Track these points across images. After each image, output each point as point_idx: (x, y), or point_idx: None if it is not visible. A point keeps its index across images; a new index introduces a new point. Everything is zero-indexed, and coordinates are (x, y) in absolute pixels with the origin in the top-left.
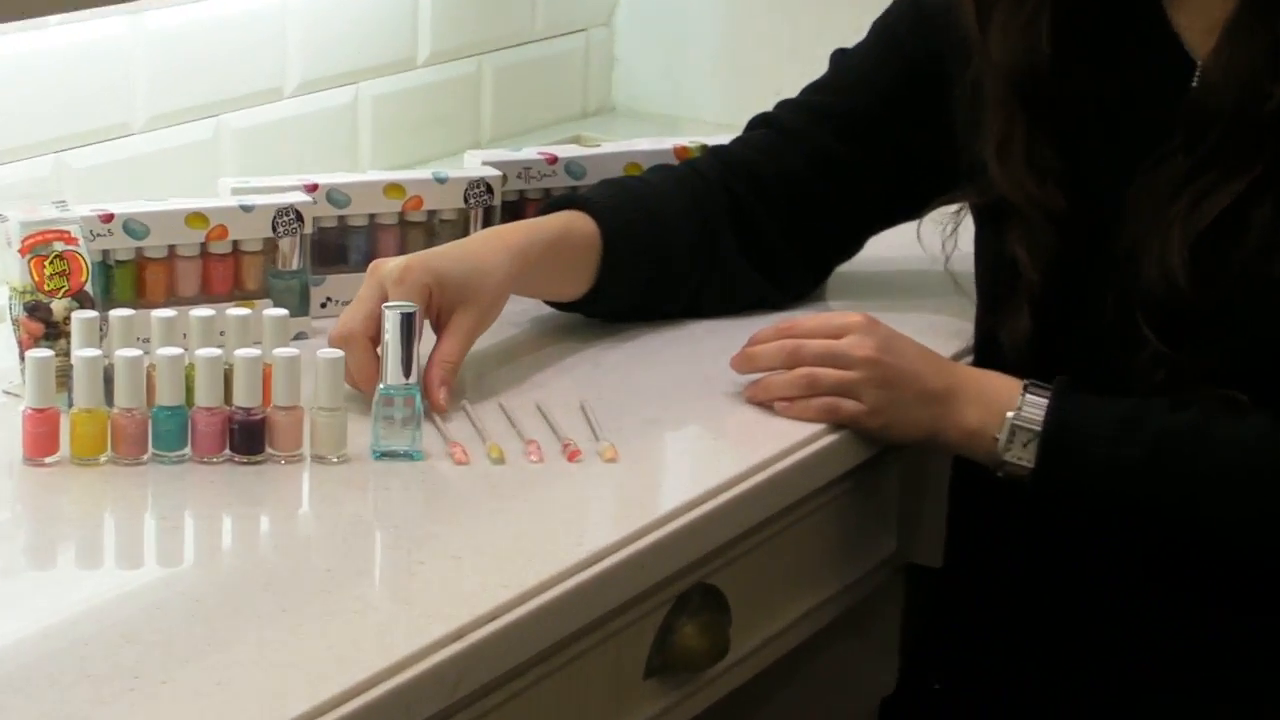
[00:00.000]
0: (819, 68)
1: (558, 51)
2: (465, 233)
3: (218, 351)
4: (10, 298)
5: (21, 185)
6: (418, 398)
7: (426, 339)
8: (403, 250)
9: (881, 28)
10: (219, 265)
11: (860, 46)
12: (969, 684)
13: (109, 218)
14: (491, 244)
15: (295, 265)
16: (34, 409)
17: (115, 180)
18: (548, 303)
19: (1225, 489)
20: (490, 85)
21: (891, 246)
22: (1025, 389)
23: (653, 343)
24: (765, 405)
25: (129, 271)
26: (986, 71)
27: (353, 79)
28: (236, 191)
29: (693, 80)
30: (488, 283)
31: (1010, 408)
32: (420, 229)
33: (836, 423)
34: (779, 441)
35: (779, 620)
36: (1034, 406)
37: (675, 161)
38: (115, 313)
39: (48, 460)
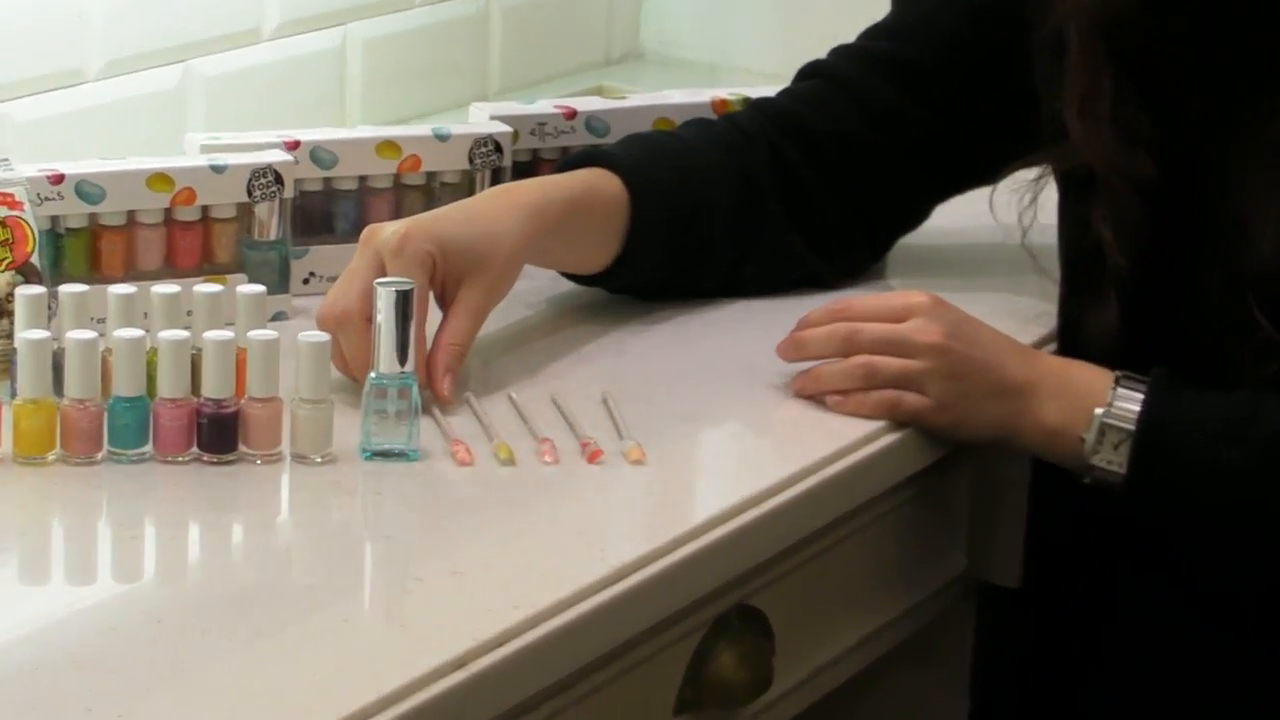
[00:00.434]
0: (881, 9)
1: None
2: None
3: (184, 334)
4: None
5: None
6: (414, 389)
7: (428, 326)
8: (398, 217)
9: None
10: (185, 234)
11: None
12: None
13: (59, 179)
14: (502, 203)
15: (274, 235)
16: None
17: (66, 136)
18: (565, 276)
19: None
20: (499, 27)
21: (962, 216)
22: (1117, 381)
23: (686, 325)
24: (816, 399)
25: (82, 241)
26: (1069, 15)
27: (340, 19)
28: (206, 149)
29: (735, 22)
30: (498, 248)
31: (1099, 403)
32: (418, 193)
33: (898, 419)
34: (831, 441)
35: (830, 648)
36: (1127, 401)
37: (713, 117)
38: (66, 288)
39: None
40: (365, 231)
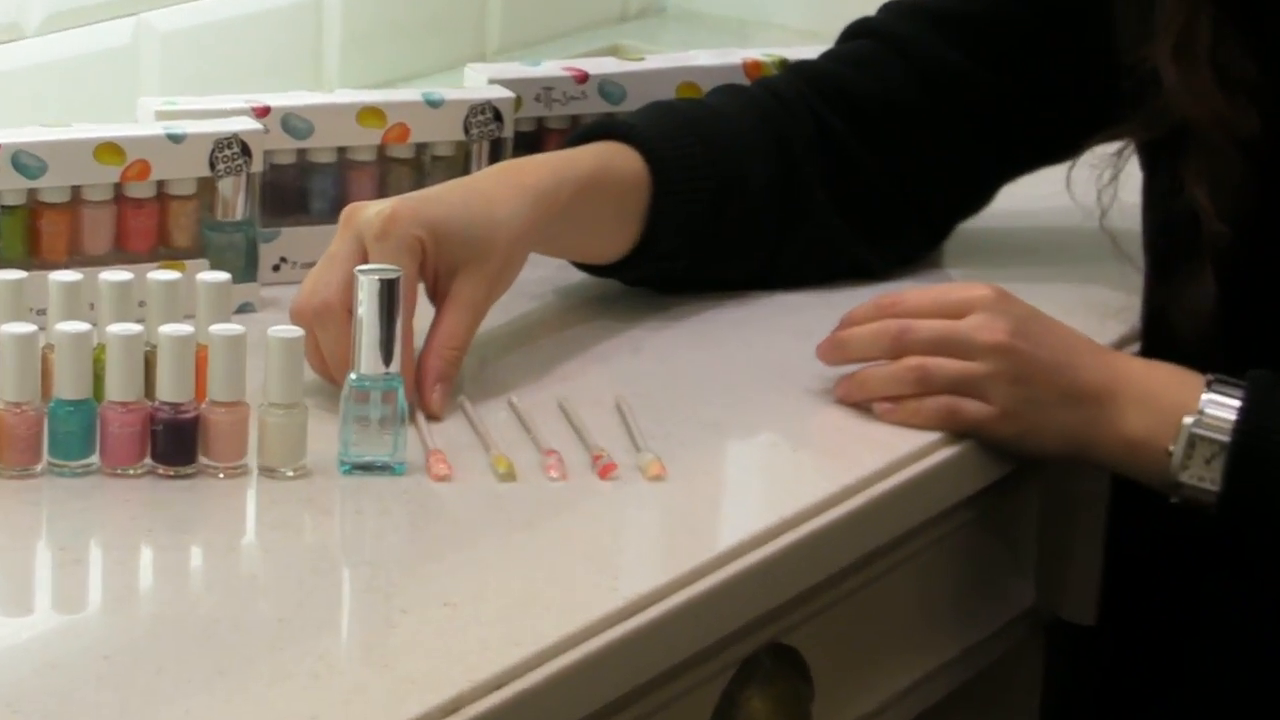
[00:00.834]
0: None
1: None
2: (465, 172)
3: (136, 328)
4: None
5: None
6: (400, 392)
7: (417, 322)
8: (383, 196)
9: None
10: (138, 214)
11: None
12: None
13: None
14: (504, 184)
15: (240, 214)
16: None
17: (2, 99)
18: (576, 265)
19: None
20: None
21: (1031, 198)
22: (1208, 386)
23: (713, 322)
24: (862, 407)
25: (19, 220)
26: None
27: None
28: (162, 115)
29: None
30: (500, 236)
31: (1188, 411)
32: (406, 168)
33: (956, 430)
34: (879, 455)
35: (877, 693)
36: (1220, 409)
37: (745, 81)
38: (1, 274)
39: None
40: (345, 211)
